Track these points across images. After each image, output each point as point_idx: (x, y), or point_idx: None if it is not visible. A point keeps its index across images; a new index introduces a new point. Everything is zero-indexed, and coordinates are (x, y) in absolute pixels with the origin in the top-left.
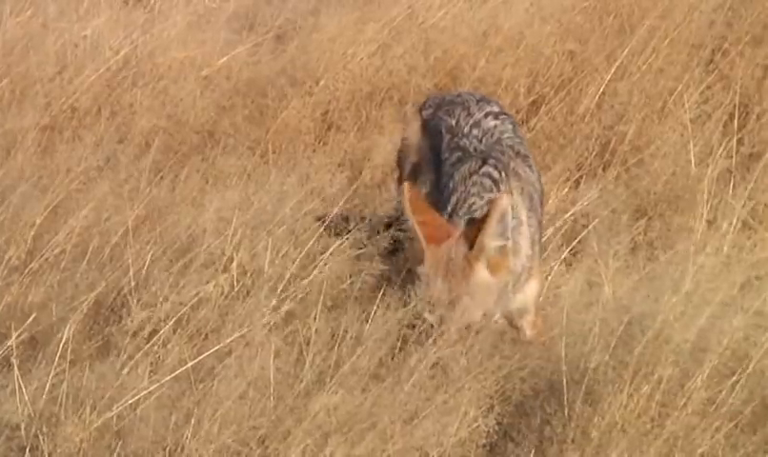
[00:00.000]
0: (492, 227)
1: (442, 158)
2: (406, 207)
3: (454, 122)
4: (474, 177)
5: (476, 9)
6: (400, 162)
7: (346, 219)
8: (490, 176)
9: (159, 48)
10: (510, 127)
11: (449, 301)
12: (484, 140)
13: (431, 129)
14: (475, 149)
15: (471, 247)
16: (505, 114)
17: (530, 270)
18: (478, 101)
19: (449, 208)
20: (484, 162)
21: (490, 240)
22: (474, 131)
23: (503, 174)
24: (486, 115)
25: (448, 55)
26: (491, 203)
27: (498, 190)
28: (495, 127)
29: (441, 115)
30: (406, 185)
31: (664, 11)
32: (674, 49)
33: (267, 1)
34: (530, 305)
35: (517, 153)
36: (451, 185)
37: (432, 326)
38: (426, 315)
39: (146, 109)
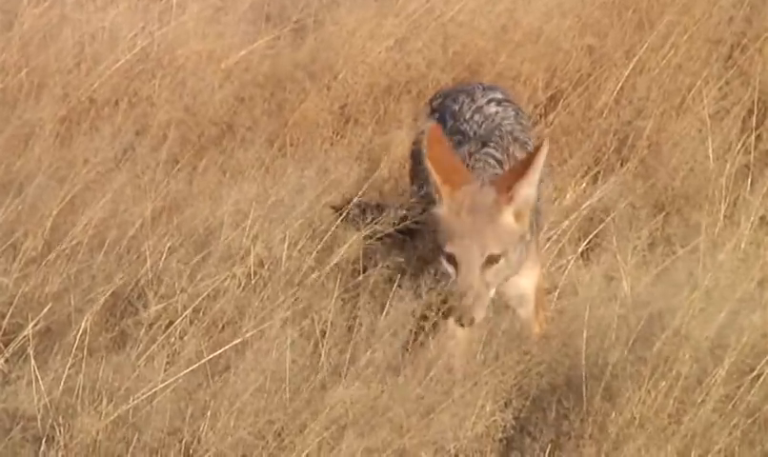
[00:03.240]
0: (532, 175)
1: None
2: (425, 146)
3: (457, 107)
4: (477, 155)
5: (495, 4)
6: (413, 154)
7: (363, 212)
8: (493, 156)
9: (177, 40)
10: (512, 114)
11: (469, 237)
12: (484, 125)
13: (438, 119)
14: (475, 133)
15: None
16: (509, 101)
17: (528, 254)
18: (485, 89)
19: None
20: (484, 144)
21: (526, 189)
22: (476, 117)
23: (505, 156)
24: (489, 101)
25: (466, 49)
26: (534, 150)
27: (503, 169)
28: (497, 113)
29: (447, 103)
30: (431, 126)
31: (683, 7)
32: (693, 45)
33: None
34: (529, 292)
35: (515, 139)
36: None
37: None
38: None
39: (164, 101)
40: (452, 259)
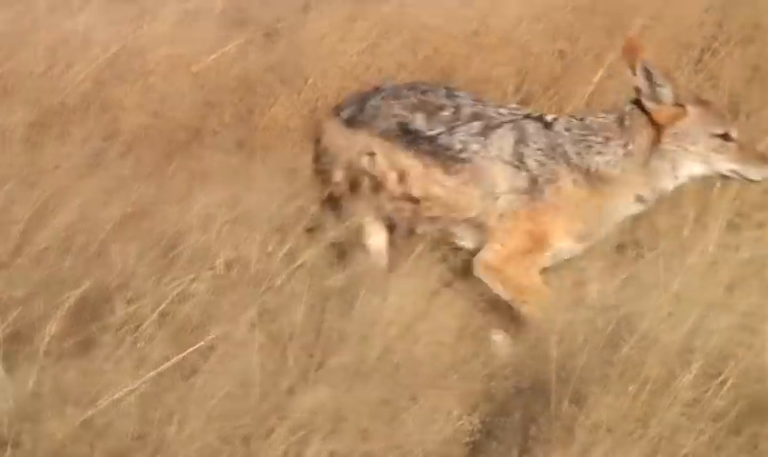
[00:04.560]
0: None
1: None
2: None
3: None
4: None
5: (467, 8)
6: None
7: (331, 216)
8: None
9: (149, 44)
10: None
11: None
12: None
13: None
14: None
15: None
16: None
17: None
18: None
19: None
20: None
21: None
22: None
23: None
24: None
25: (438, 53)
26: None
27: None
28: None
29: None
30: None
31: (655, 11)
32: (663, 49)
33: None
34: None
35: None
36: None
37: None
38: None
39: (134, 105)
40: (727, 136)
